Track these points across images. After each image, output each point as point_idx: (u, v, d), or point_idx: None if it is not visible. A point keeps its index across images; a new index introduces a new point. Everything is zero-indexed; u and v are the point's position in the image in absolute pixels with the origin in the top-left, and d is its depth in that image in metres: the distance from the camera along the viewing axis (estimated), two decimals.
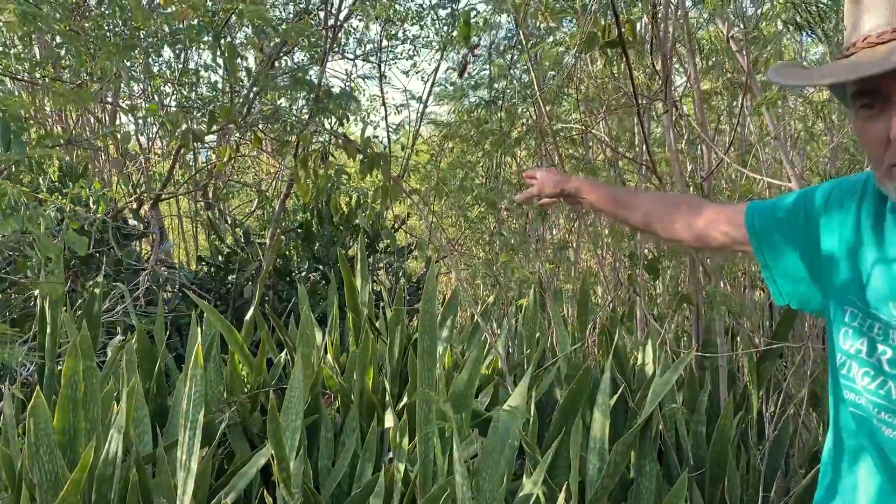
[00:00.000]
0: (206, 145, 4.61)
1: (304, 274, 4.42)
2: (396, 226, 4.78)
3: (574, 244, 3.85)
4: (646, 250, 3.05)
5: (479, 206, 3.76)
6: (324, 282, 4.51)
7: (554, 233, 4.31)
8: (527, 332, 3.05)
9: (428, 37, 4.21)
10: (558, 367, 2.77)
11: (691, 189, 2.51)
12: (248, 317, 3.21)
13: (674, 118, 2.54)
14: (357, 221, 2.69)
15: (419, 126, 4.48)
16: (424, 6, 4.07)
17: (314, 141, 2.71)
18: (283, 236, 4.38)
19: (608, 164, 3.15)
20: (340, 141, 2.65)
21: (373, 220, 4.44)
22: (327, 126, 2.69)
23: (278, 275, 4.32)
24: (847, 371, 0.98)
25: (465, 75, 3.46)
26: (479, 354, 2.48)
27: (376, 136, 5.49)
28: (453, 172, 4.14)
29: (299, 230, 4.47)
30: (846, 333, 0.97)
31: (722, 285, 2.70)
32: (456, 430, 1.79)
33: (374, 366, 2.77)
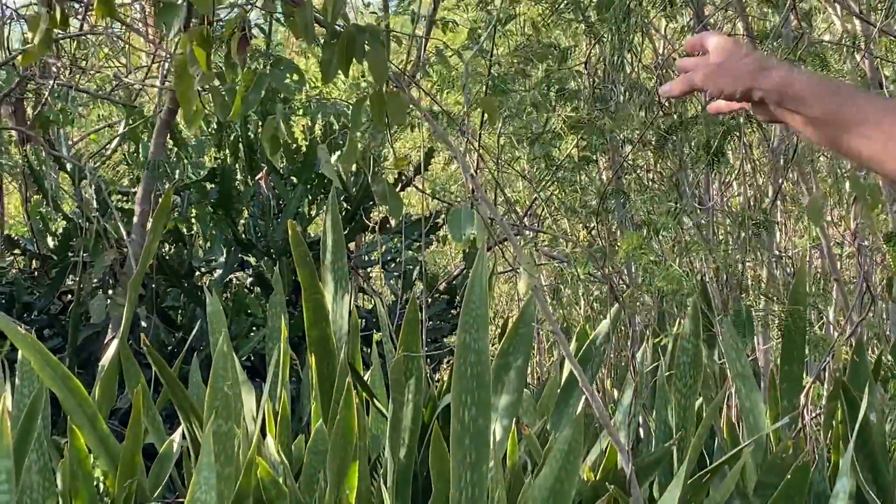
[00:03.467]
0: (11, 9, 4.57)
1: (218, 273, 4.41)
2: (404, 178, 4.75)
3: (771, 212, 3.79)
4: None
5: (576, 138, 3.72)
6: (259, 289, 4.50)
7: (737, 189, 4.23)
8: (677, 395, 3.02)
9: None
10: (742, 468, 2.74)
11: None
12: (106, 359, 3.22)
13: None
14: (322, 169, 2.65)
15: None
16: None
17: (226, 4, 2.68)
18: (176, 196, 4.37)
19: (846, 50, 3.08)
20: (280, 2, 2.60)
21: (357, 164, 4.39)
22: None
23: (167, 274, 4.35)
24: None
25: None
26: (577, 439, 2.45)
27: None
28: (520, 70, 4.10)
29: (209, 185, 4.49)
30: None
31: None
32: None
33: (361, 461, 2.76)
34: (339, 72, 2.61)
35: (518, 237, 3.61)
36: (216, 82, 2.59)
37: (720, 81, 1.48)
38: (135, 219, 4.10)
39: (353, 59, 2.56)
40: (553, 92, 4.13)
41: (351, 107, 5.22)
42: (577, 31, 4.36)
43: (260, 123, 4.51)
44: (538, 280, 2.77)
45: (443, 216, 4.73)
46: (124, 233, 3.98)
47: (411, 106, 2.79)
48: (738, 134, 3.49)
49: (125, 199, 4.78)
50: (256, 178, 4.36)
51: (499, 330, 5.27)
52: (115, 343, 3.25)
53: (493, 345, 4.43)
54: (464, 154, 2.81)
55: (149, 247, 3.31)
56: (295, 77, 2.66)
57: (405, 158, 3.30)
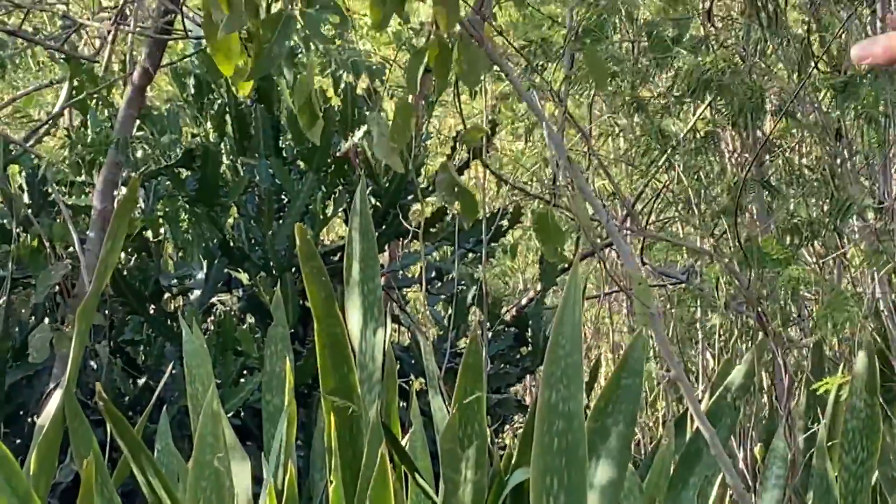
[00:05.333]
0: None
1: (196, 295, 4.46)
2: (458, 159, 4.73)
3: None
4: None
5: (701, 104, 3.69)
6: (253, 317, 4.53)
7: None
8: (844, 474, 3.00)
9: None
10: None
11: None
12: (46, 415, 3.22)
13: None
14: (375, 149, 2.59)
15: None
16: None
17: None
18: (142, 185, 4.38)
19: None
20: None
21: (409, 131, 4.34)
22: None
23: (126, 296, 4.37)
24: None
25: None
26: None
27: None
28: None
29: (185, 172, 4.53)
30: None
31: None
32: None
33: None
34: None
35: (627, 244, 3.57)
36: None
37: None
38: (93, 216, 4.09)
39: None
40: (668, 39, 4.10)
41: (382, 64, 5.24)
42: None
43: (256, 86, 4.51)
44: (653, 305, 2.72)
45: (510, 214, 4.72)
46: (76, 240, 3.98)
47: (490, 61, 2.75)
48: None
49: (67, 189, 4.77)
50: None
51: (592, 366, 5.26)
52: (58, 393, 3.24)
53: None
54: (560, 129, 2.77)
55: (105, 260, 3.31)
56: (336, 19, 2.63)
57: (481, 127, 3.23)
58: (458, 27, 2.58)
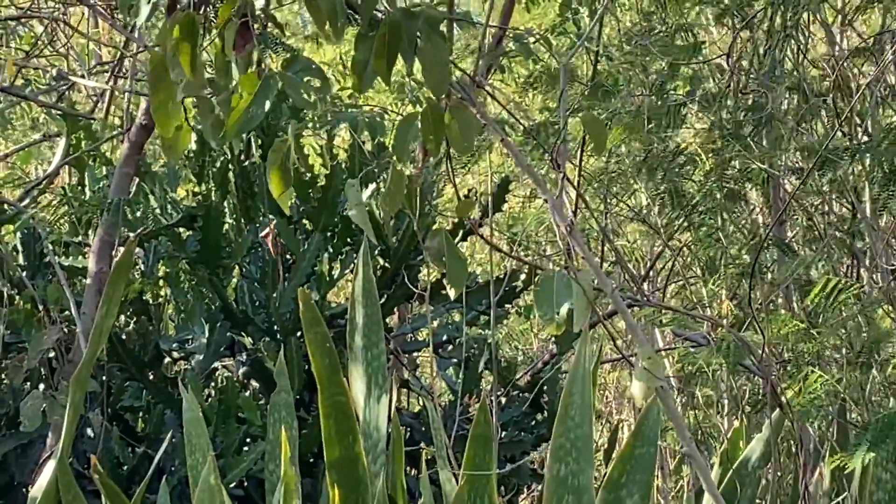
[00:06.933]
0: None
1: (198, 360, 4.45)
2: (467, 222, 4.72)
3: None
4: None
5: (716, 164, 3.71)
6: (258, 383, 4.52)
7: None
8: None
9: None
10: None
11: None
12: (39, 487, 3.24)
13: None
14: (350, 212, 2.60)
15: None
16: None
17: None
18: (140, 246, 4.43)
19: None
20: None
21: (401, 199, 4.32)
22: None
23: (124, 362, 4.36)
24: None
25: None
26: None
27: None
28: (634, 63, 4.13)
29: (186, 232, 4.53)
30: None
31: None
32: None
33: None
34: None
35: (635, 314, 3.56)
36: (206, 91, 2.58)
37: None
38: (88, 278, 4.08)
39: (399, 59, 2.55)
40: (681, 94, 4.12)
41: (388, 115, 5.25)
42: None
43: (259, 143, 4.50)
44: (662, 377, 2.69)
45: (522, 276, 4.70)
46: (72, 303, 3.97)
47: (482, 124, 2.75)
48: None
49: (63, 249, 4.76)
50: (262, 234, 4.32)
51: (603, 442, 5.22)
52: (51, 463, 3.24)
53: (595, 468, 4.42)
54: (558, 193, 2.76)
55: (101, 325, 3.31)
56: (315, 83, 2.64)
57: (472, 201, 3.23)
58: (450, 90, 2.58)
